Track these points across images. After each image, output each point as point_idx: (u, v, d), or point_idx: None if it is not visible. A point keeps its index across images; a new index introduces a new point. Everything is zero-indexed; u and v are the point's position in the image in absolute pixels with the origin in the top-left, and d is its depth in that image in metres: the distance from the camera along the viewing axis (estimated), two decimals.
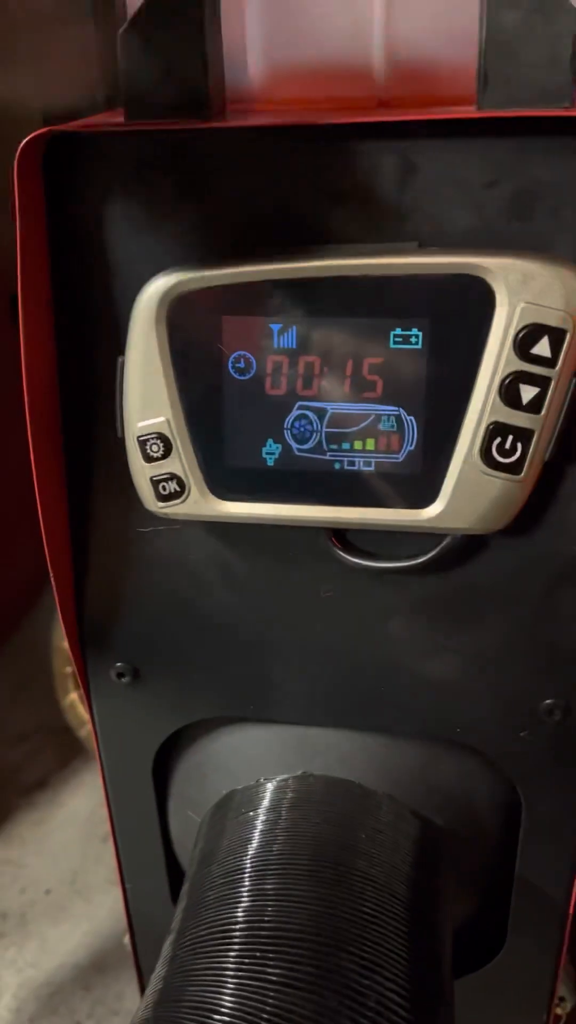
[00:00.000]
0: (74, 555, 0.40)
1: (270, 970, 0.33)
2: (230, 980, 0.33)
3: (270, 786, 0.41)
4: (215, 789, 0.43)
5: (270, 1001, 0.32)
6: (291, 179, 0.33)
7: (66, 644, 0.81)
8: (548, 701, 0.38)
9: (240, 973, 0.33)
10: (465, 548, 0.36)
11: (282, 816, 0.40)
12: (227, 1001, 0.32)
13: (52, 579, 0.39)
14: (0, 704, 1.23)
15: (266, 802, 0.41)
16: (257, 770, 0.42)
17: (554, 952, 0.46)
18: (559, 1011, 0.53)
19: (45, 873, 0.99)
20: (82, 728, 0.80)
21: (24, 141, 0.31)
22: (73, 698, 0.80)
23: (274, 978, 0.33)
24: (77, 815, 1.05)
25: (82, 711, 0.80)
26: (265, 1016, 0.32)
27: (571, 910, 0.44)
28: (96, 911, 0.94)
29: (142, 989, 0.57)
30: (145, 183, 0.34)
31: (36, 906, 0.96)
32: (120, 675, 0.42)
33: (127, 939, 0.55)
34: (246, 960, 0.34)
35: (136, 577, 0.40)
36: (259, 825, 0.39)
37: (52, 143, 0.33)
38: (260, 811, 0.40)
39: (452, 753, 0.42)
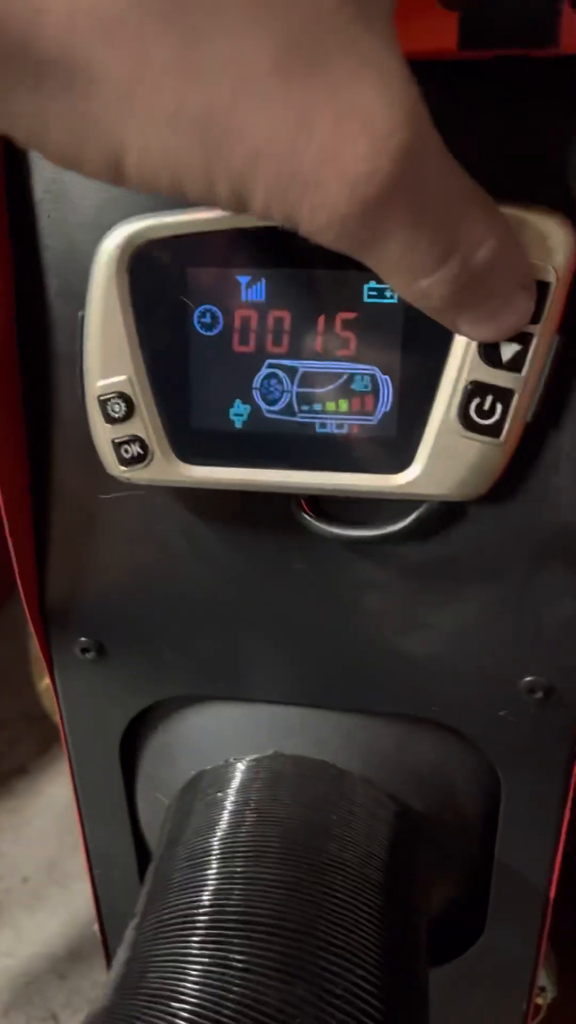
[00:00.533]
0: (35, 525, 0.38)
1: (235, 956, 0.32)
2: (193, 966, 0.32)
3: (240, 766, 0.40)
4: (184, 770, 0.42)
5: (234, 989, 0.31)
6: None
7: None
8: (529, 679, 0.37)
9: (204, 959, 0.32)
10: (442, 517, 0.35)
11: (252, 797, 0.38)
12: (189, 988, 0.31)
13: (11, 549, 0.37)
14: None
15: (236, 783, 0.39)
16: (227, 750, 0.41)
17: (535, 940, 0.44)
18: (540, 1001, 0.52)
19: (22, 861, 0.98)
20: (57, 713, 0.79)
21: None
22: (48, 683, 0.78)
23: (239, 964, 0.32)
24: (55, 803, 1.04)
25: None
26: (229, 1004, 0.30)
27: (553, 896, 0.43)
28: (73, 899, 0.93)
29: None
30: None
31: (12, 894, 0.95)
32: (84, 650, 0.40)
33: (96, 926, 0.53)
34: (209, 945, 0.32)
35: (100, 547, 0.38)
36: (228, 806, 0.38)
37: None
38: (229, 792, 0.39)
39: (430, 734, 0.41)
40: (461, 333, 0.27)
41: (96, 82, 0.19)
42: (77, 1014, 0.83)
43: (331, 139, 0.20)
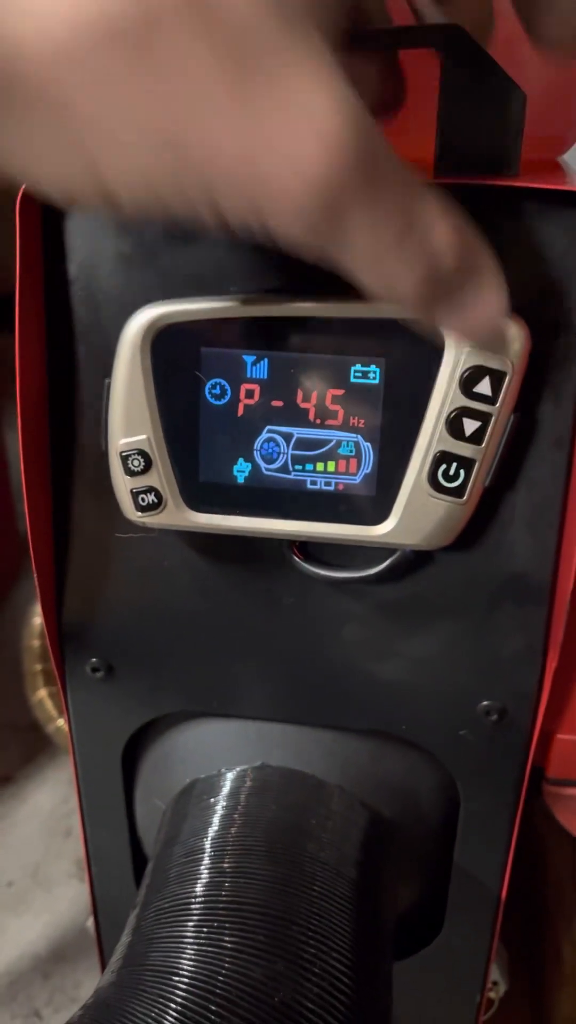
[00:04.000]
0: (56, 557, 0.43)
1: (226, 938, 0.37)
2: (189, 946, 0.36)
3: (230, 775, 0.45)
4: (179, 778, 0.47)
5: (226, 965, 0.36)
6: None
7: (36, 643, 0.84)
8: (486, 703, 0.42)
9: (199, 940, 0.37)
10: (413, 562, 0.40)
11: (240, 802, 0.43)
12: (186, 965, 0.36)
13: (36, 578, 0.42)
14: None
15: (226, 789, 0.44)
16: (219, 761, 0.45)
17: (488, 937, 0.49)
18: (492, 995, 0.57)
19: (8, 865, 1.01)
20: (50, 724, 0.83)
21: (24, 188, 0.35)
22: (42, 695, 0.83)
23: (229, 945, 0.36)
24: (40, 810, 1.08)
25: (50, 707, 0.83)
26: (221, 978, 0.35)
27: (503, 896, 0.48)
28: (56, 903, 0.97)
29: (103, 969, 0.60)
30: (133, 224, 0.37)
31: None
32: (95, 670, 0.45)
33: (90, 922, 0.57)
34: (204, 929, 0.37)
35: (113, 579, 0.43)
36: (219, 810, 0.43)
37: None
38: (220, 798, 0.44)
39: (399, 749, 0.45)
40: (441, 326, 0.30)
41: (73, 109, 0.22)
42: (59, 1012, 0.87)
43: (282, 140, 0.22)
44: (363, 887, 0.41)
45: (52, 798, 1.10)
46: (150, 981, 0.35)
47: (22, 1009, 0.87)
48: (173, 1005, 0.34)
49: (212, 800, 0.44)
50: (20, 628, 0.89)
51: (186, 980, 0.35)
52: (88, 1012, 0.36)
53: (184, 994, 0.35)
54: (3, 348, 1.32)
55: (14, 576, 1.41)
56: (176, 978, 0.35)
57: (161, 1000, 0.35)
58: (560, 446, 0.37)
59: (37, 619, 0.84)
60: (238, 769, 0.45)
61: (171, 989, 0.35)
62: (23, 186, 0.34)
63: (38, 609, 0.84)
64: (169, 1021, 0.34)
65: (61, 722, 0.82)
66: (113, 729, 0.47)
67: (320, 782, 0.44)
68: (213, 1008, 0.34)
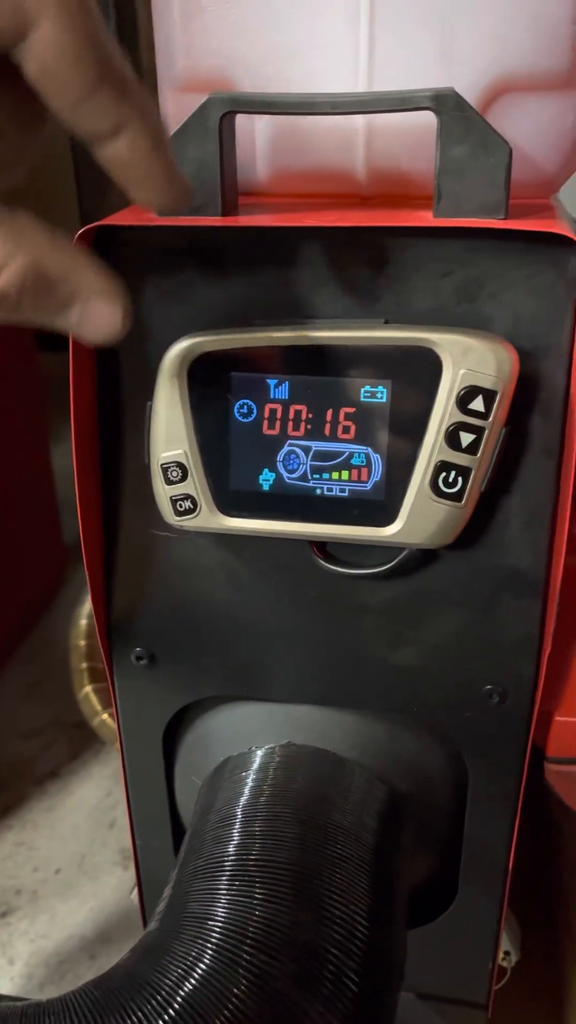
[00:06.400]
0: (105, 558, 0.49)
1: (256, 890, 0.42)
2: (223, 896, 0.41)
3: (260, 752, 0.50)
4: (214, 757, 0.52)
5: (256, 913, 0.41)
6: (286, 265, 0.42)
7: (82, 643, 0.90)
8: (489, 686, 0.47)
9: (232, 892, 0.42)
10: (420, 560, 0.45)
11: (269, 775, 0.48)
12: (221, 912, 0.41)
13: (88, 577, 0.48)
14: (16, 701, 1.31)
15: (256, 764, 0.49)
16: (249, 740, 0.50)
17: (497, 903, 0.53)
18: (504, 964, 0.61)
19: (55, 854, 1.07)
20: (95, 718, 0.88)
21: (79, 232, 0.40)
22: (87, 691, 0.88)
23: (260, 896, 0.41)
24: (86, 803, 1.14)
25: (95, 702, 0.89)
26: (252, 925, 0.40)
27: (511, 866, 0.52)
28: (102, 889, 1.02)
29: None
30: (172, 266, 0.43)
31: (47, 884, 1.04)
32: (139, 658, 0.50)
33: (134, 894, 0.63)
34: (236, 882, 0.42)
35: (155, 577, 0.48)
36: (250, 782, 0.48)
37: (99, 233, 0.42)
38: (251, 772, 0.49)
39: (412, 729, 0.50)
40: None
41: None
42: None
43: None
44: (379, 851, 0.46)
45: (97, 792, 1.15)
46: (189, 926, 0.41)
47: (70, 987, 0.93)
48: (210, 945, 0.39)
49: (244, 774, 0.49)
50: (65, 632, 0.96)
51: (220, 924, 0.40)
52: (135, 953, 0.42)
53: (219, 936, 0.40)
54: (49, 367, 1.38)
55: (60, 583, 1.47)
56: (211, 922, 0.40)
57: (200, 941, 0.40)
58: (549, 455, 0.42)
59: (83, 621, 0.90)
60: (267, 747, 0.50)
61: (208, 932, 0.40)
62: (77, 234, 0.40)
63: (83, 611, 0.90)
64: (207, 958, 0.39)
65: (106, 716, 0.88)
66: (156, 712, 0.52)
67: (341, 758, 0.49)
68: (245, 948, 0.39)
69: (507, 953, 0.60)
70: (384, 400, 0.41)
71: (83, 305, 0.30)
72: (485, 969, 0.57)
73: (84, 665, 0.89)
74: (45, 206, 0.45)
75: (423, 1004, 0.59)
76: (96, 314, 0.30)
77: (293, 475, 0.43)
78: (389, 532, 0.42)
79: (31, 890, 1.03)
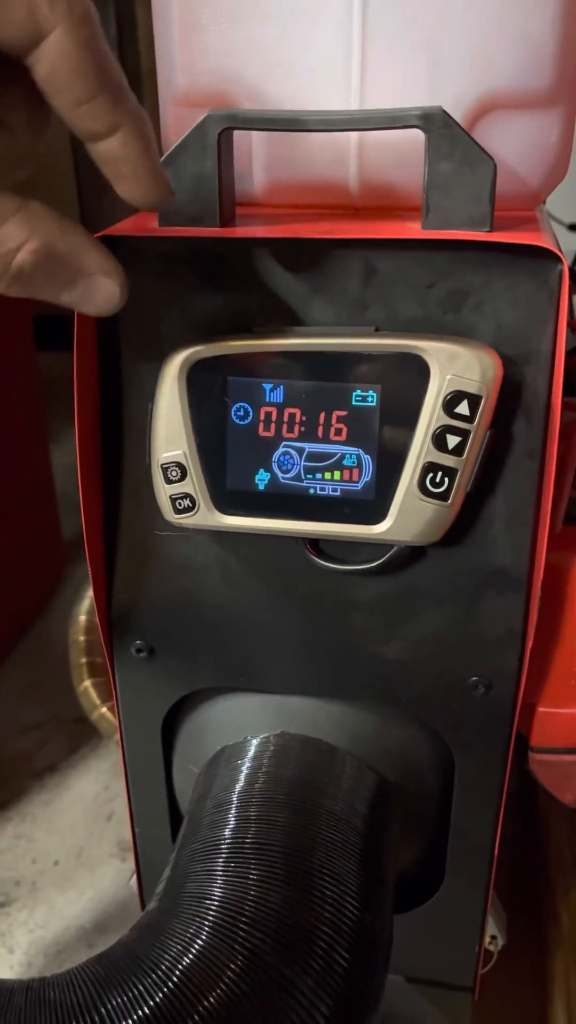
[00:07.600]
0: (107, 553, 0.50)
1: (252, 872, 0.43)
2: (220, 877, 0.43)
3: (255, 742, 0.51)
4: (211, 746, 0.53)
5: (251, 892, 0.42)
6: (281, 275, 0.44)
7: (81, 638, 0.92)
8: (474, 678, 0.48)
9: (228, 873, 0.43)
10: (408, 557, 0.46)
11: (264, 763, 0.50)
12: (217, 892, 0.43)
13: (90, 573, 0.49)
14: (15, 697, 1.33)
15: (251, 753, 0.51)
16: (245, 730, 0.52)
17: (483, 888, 0.55)
18: (491, 948, 0.63)
19: (54, 847, 1.09)
20: (94, 711, 0.90)
21: None
22: (86, 685, 0.90)
23: (254, 877, 0.43)
24: (84, 797, 1.16)
25: (94, 696, 0.90)
26: (248, 904, 0.42)
27: (496, 852, 0.54)
28: (99, 880, 1.04)
29: None
30: (172, 274, 0.44)
31: (45, 875, 1.06)
32: (139, 651, 0.52)
33: (133, 881, 0.64)
34: (232, 864, 0.44)
35: (154, 573, 0.50)
36: (245, 770, 0.50)
37: (104, 242, 0.44)
38: (246, 759, 0.50)
39: (400, 720, 0.52)
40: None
41: None
42: None
43: None
44: (368, 836, 0.48)
45: (95, 786, 1.17)
46: (188, 905, 0.43)
47: None
48: (207, 923, 0.41)
49: (239, 762, 0.51)
50: (63, 630, 0.97)
51: (217, 903, 0.42)
52: (135, 931, 0.44)
53: (216, 914, 0.42)
54: (47, 367, 1.40)
55: (59, 582, 1.49)
56: (209, 902, 0.42)
57: (197, 919, 0.42)
58: (532, 457, 0.44)
59: (82, 617, 0.92)
60: (261, 736, 0.52)
61: (205, 911, 0.42)
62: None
63: (83, 608, 0.92)
64: (204, 935, 0.41)
65: (104, 709, 0.90)
66: (155, 703, 0.54)
67: (332, 747, 0.51)
68: (241, 925, 0.41)
69: (493, 937, 0.62)
70: (374, 404, 0.43)
71: (87, 281, 0.34)
72: (472, 953, 0.59)
73: (83, 660, 0.91)
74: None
75: (411, 987, 0.61)
76: (98, 289, 0.35)
77: (287, 475, 0.45)
78: (379, 530, 0.44)
79: (30, 881, 1.05)
